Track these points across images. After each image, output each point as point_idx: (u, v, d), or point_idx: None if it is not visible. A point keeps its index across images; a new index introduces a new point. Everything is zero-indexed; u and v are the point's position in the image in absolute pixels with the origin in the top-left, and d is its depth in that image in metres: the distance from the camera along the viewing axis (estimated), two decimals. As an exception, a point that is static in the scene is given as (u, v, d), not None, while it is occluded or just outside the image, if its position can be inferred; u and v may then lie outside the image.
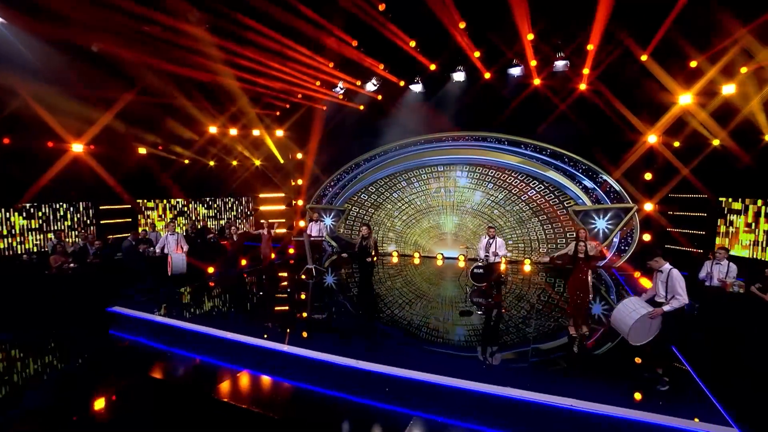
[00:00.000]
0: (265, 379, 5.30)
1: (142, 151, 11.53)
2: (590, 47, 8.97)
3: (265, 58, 9.48)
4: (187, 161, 12.43)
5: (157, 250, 8.37)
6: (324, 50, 9.54)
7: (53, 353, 6.43)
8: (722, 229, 8.70)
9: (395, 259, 12.61)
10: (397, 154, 12.78)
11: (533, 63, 9.81)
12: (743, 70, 8.09)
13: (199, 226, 12.78)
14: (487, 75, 10.52)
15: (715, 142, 8.46)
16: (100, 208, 10.64)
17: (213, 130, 12.35)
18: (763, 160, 7.69)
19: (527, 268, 11.16)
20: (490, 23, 8.51)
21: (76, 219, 10.23)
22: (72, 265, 8.01)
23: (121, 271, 8.52)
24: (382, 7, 7.52)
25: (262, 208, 14.05)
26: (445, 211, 12.50)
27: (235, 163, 13.41)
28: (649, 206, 9.87)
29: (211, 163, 12.93)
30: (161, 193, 12.16)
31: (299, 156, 13.90)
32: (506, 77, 10.41)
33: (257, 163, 13.64)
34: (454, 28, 8.43)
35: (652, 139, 9.54)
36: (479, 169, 11.90)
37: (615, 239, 10.48)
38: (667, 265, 4.64)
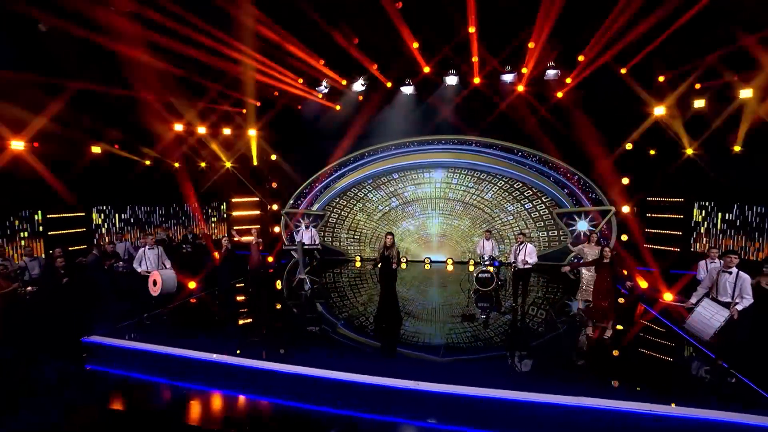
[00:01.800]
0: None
1: (96, 150, 9.95)
2: (581, 58, 9.45)
3: (249, 48, 8.64)
4: (148, 162, 10.99)
5: (136, 267, 7.20)
6: (321, 45, 8.95)
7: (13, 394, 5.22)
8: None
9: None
10: (381, 157, 12.47)
11: (524, 71, 10.12)
12: (697, 86, 9.10)
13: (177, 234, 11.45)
14: (477, 80, 10.62)
15: (689, 151, 9.34)
16: (48, 216, 8.97)
17: (179, 127, 11.05)
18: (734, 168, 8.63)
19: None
20: (496, 29, 8.55)
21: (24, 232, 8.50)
22: (30, 288, 6.60)
23: (98, 293, 7.22)
24: (399, 5, 7.20)
25: (236, 213, 12.91)
26: (431, 214, 12.45)
27: (203, 164, 12.15)
28: (626, 209, 10.66)
29: (176, 164, 11.58)
30: (120, 198, 10.63)
31: (273, 158, 13.00)
32: (498, 83, 10.61)
33: (228, 164, 12.50)
34: (463, 31, 8.36)
35: (628, 146, 10.34)
36: (464, 172, 12.01)
37: (595, 240, 11.17)
38: (735, 269, 4.95)
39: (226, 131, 12.12)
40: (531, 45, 8.83)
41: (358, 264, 12.49)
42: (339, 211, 12.93)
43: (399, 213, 12.60)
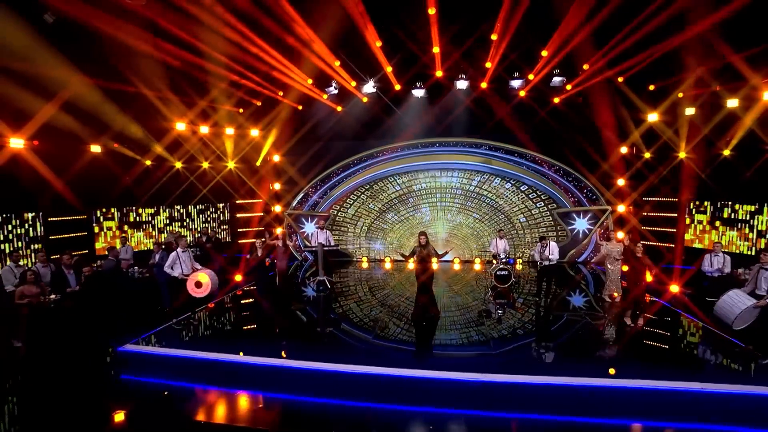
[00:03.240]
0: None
1: (96, 149, 9.35)
2: (585, 67, 10.05)
3: (267, 43, 8.50)
4: (149, 162, 10.45)
5: (169, 271, 6.88)
6: (341, 45, 8.94)
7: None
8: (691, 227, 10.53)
9: (388, 265, 12.40)
10: (387, 158, 12.59)
11: (531, 77, 10.63)
12: (680, 95, 9.98)
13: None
14: (484, 84, 11.02)
15: (681, 155, 10.19)
16: (49, 220, 8.31)
17: (181, 126, 10.58)
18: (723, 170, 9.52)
19: (519, 266, 11.99)
20: (515, 37, 8.87)
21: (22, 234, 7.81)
22: (53, 297, 6.13)
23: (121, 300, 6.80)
24: (432, 10, 7.36)
25: (239, 215, 12.53)
26: (436, 215, 12.70)
27: (206, 164, 11.70)
28: (621, 208, 11.42)
29: (178, 164, 11.09)
30: (120, 200, 10.03)
31: (276, 158, 12.74)
32: (506, 88, 11.05)
33: (231, 165, 12.11)
34: (485, 38, 8.67)
35: (624, 150, 11.14)
36: (471, 174, 12.36)
37: (593, 237, 11.88)
38: None
39: (229, 131, 11.75)
40: (544, 53, 9.28)
41: (365, 265, 12.51)
42: (344, 212, 12.89)
43: (405, 213, 12.74)
